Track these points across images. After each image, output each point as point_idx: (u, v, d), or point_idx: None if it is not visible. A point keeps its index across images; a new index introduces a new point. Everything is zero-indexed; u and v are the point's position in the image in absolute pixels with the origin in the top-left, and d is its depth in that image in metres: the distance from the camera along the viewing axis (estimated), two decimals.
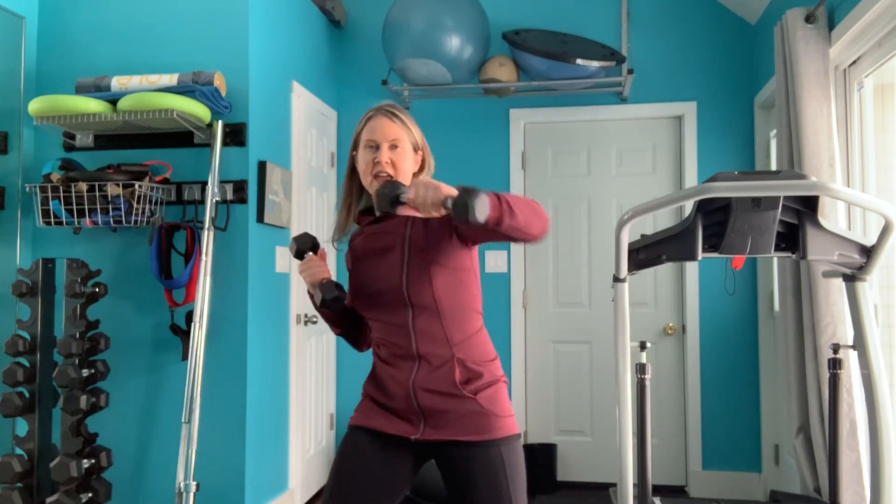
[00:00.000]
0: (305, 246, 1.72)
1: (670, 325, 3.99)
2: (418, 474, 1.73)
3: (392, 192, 1.49)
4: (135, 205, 2.82)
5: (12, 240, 3.05)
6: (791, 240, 2.02)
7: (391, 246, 1.67)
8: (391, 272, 1.65)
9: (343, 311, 1.78)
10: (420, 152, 1.77)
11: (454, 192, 1.43)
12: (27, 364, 2.72)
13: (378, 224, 1.73)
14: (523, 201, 1.52)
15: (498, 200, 1.46)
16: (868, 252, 2.00)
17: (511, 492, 1.61)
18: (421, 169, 1.78)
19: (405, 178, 1.72)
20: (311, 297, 1.71)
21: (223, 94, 2.95)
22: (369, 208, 1.79)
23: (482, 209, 1.41)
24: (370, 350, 1.81)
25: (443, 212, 1.45)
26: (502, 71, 3.88)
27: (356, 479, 1.66)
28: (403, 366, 1.66)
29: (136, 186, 2.81)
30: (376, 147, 1.69)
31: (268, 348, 3.22)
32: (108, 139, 3.11)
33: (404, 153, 1.71)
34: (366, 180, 1.71)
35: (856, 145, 2.79)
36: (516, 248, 4.09)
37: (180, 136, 3.03)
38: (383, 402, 1.70)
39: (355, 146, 1.76)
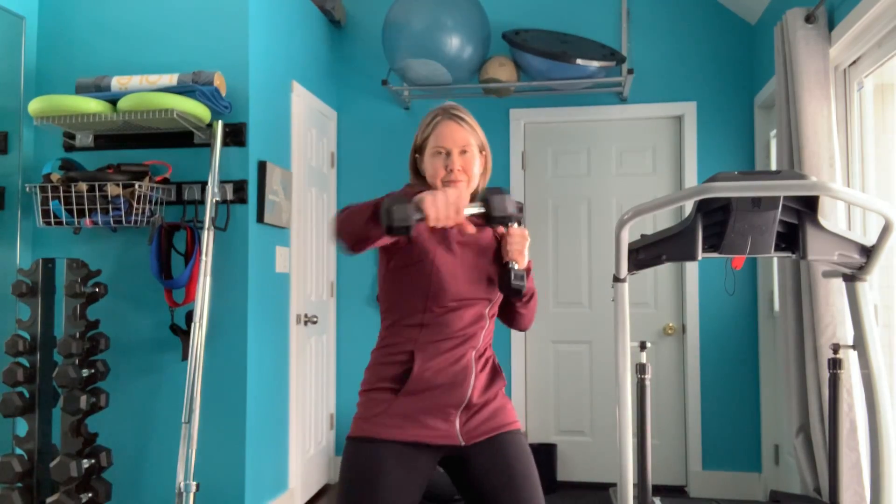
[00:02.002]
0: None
1: (670, 325, 3.99)
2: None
3: (403, 221, 1.38)
4: (135, 205, 2.82)
5: (12, 240, 3.05)
6: (791, 240, 2.02)
7: (484, 250, 1.69)
8: (482, 276, 1.67)
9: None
10: (484, 152, 1.73)
11: (474, 209, 1.50)
12: (27, 364, 2.72)
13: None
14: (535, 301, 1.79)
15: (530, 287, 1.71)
16: (868, 252, 2.00)
17: (536, 478, 1.66)
18: (485, 170, 1.75)
19: (475, 182, 1.70)
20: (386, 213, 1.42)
21: (223, 94, 2.95)
22: None
23: (526, 284, 1.62)
24: (372, 351, 1.77)
25: (462, 217, 1.46)
26: (502, 71, 3.88)
27: None
28: (458, 353, 1.64)
29: (136, 186, 2.81)
30: (447, 154, 1.66)
31: (268, 348, 3.22)
32: (108, 139, 3.11)
33: (473, 157, 1.68)
34: (436, 186, 1.68)
35: (856, 145, 2.79)
36: None
37: (180, 136, 3.03)
38: (418, 399, 1.61)
39: (419, 150, 1.73)
